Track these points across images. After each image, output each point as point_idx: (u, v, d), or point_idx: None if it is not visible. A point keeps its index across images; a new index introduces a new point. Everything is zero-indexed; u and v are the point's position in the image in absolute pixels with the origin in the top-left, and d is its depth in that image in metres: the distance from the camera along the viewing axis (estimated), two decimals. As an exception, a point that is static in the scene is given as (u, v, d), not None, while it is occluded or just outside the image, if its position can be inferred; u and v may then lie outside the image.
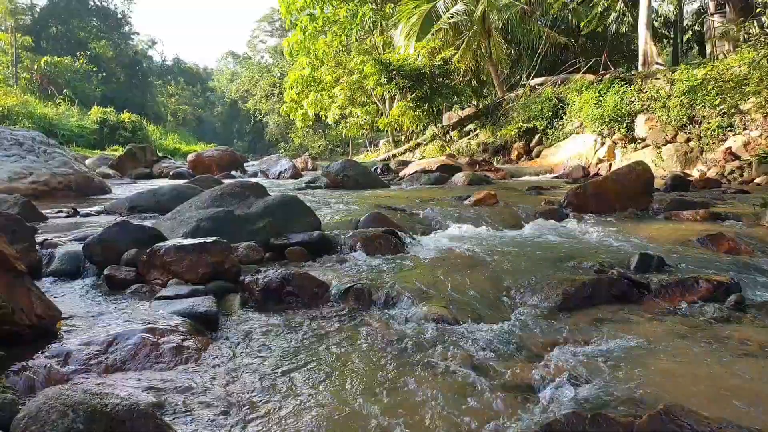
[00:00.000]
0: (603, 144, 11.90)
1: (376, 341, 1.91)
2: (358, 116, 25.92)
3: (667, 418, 1.25)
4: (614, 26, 17.28)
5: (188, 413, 1.41)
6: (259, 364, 1.73)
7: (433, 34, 17.65)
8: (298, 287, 2.35)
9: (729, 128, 9.57)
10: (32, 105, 24.01)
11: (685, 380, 1.57)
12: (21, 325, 1.78)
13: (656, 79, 11.71)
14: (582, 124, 13.00)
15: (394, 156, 17.98)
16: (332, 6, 25.38)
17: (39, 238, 3.07)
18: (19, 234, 2.59)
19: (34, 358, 1.64)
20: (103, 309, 2.19)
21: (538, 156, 14.15)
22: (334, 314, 2.21)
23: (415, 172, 9.77)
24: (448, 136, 17.74)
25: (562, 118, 14.02)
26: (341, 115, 26.35)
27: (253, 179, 8.60)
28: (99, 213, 4.82)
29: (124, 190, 7.51)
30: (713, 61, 11.35)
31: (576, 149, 12.61)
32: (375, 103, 24.34)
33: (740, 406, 1.41)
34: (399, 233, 3.51)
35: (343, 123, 28.37)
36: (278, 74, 47.09)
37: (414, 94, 17.07)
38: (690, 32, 20.94)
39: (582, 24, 17.46)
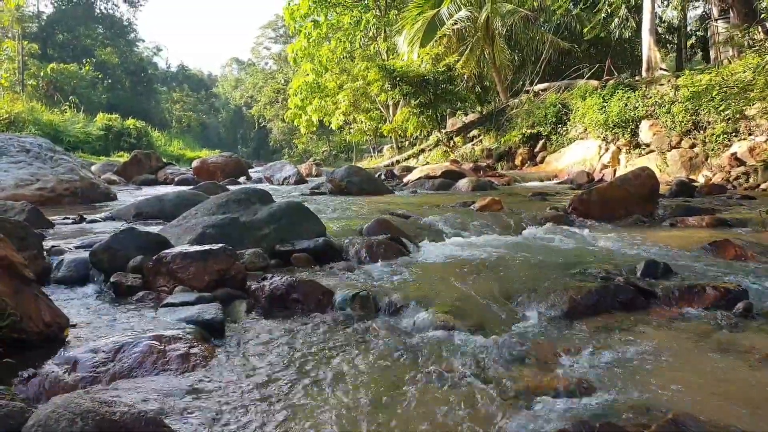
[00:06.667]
0: (607, 150, 11.90)
1: (382, 349, 1.91)
2: (361, 122, 26.03)
3: (677, 428, 1.24)
4: (618, 32, 17.29)
5: (195, 421, 1.41)
6: (265, 371, 1.73)
7: (436, 41, 17.74)
8: (303, 294, 2.36)
9: (734, 134, 9.56)
10: (38, 111, 24.21)
11: (694, 389, 1.56)
12: (29, 333, 1.79)
13: (660, 84, 11.71)
14: (586, 129, 13.00)
15: (398, 162, 18.02)
16: (336, 13, 25.54)
17: (46, 245, 3.08)
18: (26, 241, 2.60)
19: (42, 365, 1.64)
20: (110, 316, 2.19)
21: (542, 162, 14.15)
22: (340, 321, 2.21)
23: (419, 178, 9.78)
24: (451, 142, 17.77)
25: (566, 123, 14.03)
26: (345, 121, 26.45)
27: (258, 185, 8.63)
28: (105, 219, 4.84)
29: (129, 196, 7.54)
30: (717, 67, 11.35)
31: (580, 155, 12.61)
32: (379, 109, 24.42)
33: (750, 415, 1.40)
34: (404, 240, 3.51)
35: (347, 129, 28.47)
36: (282, 80, 47.36)
37: (418, 100, 17.12)
38: (694, 38, 20.93)
39: (585, 30, 17.48)
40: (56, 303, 2.06)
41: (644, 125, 11.17)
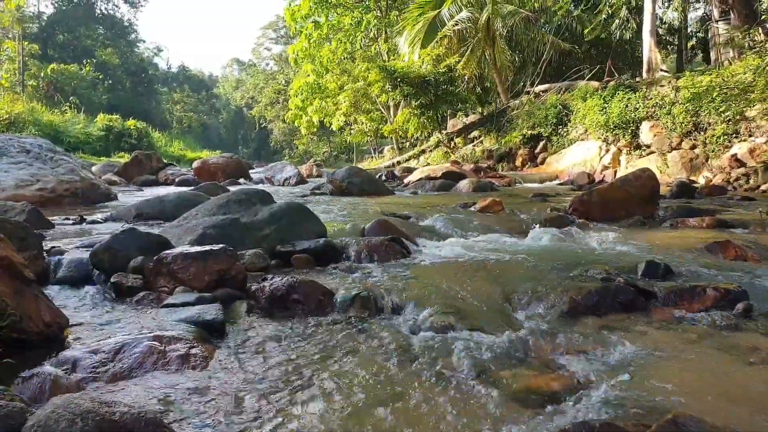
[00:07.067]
0: (608, 151, 11.90)
1: (383, 350, 1.91)
2: (362, 123, 26.04)
3: (677, 428, 1.24)
4: (618, 33, 17.29)
5: (195, 421, 1.41)
6: (265, 372, 1.73)
7: (437, 42, 17.74)
8: (304, 295, 2.35)
9: (734, 135, 9.55)
10: (39, 112, 24.24)
11: (694, 389, 1.56)
12: (29, 333, 1.79)
13: (661, 86, 11.71)
14: (587, 130, 13.00)
15: (399, 163, 18.03)
16: (337, 14, 25.56)
17: (46, 246, 3.09)
18: (27, 241, 2.60)
19: (42, 365, 1.64)
20: (111, 316, 2.19)
21: (542, 163, 14.16)
22: (340, 322, 2.21)
23: (420, 179, 9.79)
24: (452, 143, 17.78)
25: (566, 124, 14.03)
26: (346, 122, 26.46)
27: (259, 186, 8.63)
28: (105, 220, 4.84)
29: (129, 197, 7.55)
30: (718, 68, 11.34)
31: (581, 156, 12.61)
32: (379, 110, 24.43)
33: (750, 414, 1.40)
34: (404, 241, 3.51)
35: (347, 130, 28.50)
36: (283, 81, 47.41)
37: (418, 101, 17.14)
38: (694, 39, 20.94)
39: (586, 31, 17.49)
40: (56, 303, 2.06)
41: (645, 126, 11.17)
